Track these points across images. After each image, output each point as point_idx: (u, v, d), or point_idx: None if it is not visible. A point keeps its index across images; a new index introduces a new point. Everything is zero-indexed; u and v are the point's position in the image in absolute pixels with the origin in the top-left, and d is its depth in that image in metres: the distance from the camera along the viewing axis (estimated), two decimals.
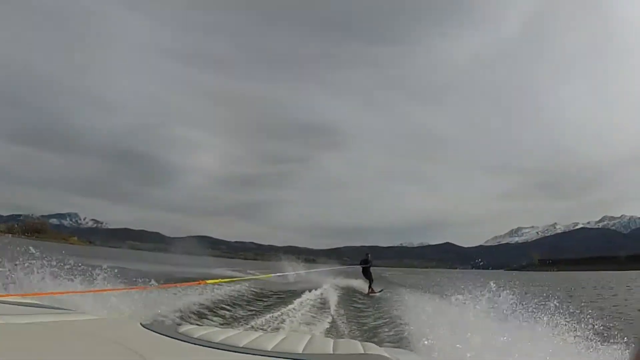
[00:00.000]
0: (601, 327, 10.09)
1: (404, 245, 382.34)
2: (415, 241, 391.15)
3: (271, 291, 21.81)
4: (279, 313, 15.07)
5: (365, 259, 29.65)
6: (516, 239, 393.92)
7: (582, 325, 9.44)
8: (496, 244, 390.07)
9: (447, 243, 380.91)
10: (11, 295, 5.40)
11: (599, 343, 8.72)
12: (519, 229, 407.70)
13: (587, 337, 8.92)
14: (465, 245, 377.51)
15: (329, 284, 28.26)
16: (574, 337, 8.95)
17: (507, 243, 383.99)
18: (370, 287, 27.64)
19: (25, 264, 11.15)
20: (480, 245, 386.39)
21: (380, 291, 27.16)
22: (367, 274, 28.69)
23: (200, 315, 13.49)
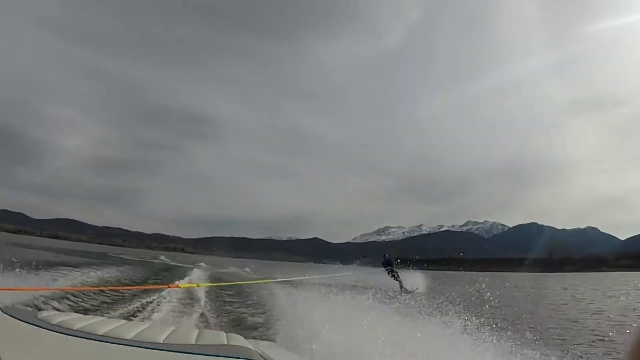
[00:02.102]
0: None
1: (272, 238, 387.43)
2: (285, 235, 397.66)
3: None
4: (147, 301, 14.93)
5: (387, 260, 28.79)
6: (383, 238, 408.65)
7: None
8: (364, 241, 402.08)
9: (316, 238, 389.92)
10: None
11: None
12: (386, 228, 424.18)
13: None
14: (334, 242, 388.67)
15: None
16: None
17: (374, 241, 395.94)
18: (401, 287, 26.75)
19: None
20: (349, 242, 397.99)
21: (415, 289, 26.30)
22: (393, 276, 27.99)
23: (71, 302, 13.04)
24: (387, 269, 28.53)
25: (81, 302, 13.35)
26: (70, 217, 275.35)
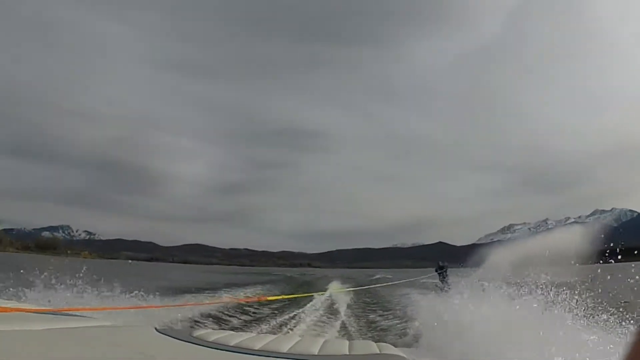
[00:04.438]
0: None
1: (397, 246, 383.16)
2: (409, 241, 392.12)
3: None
4: (291, 316, 15.40)
5: (441, 267, 30.36)
6: (509, 236, 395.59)
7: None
8: (489, 241, 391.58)
9: (440, 242, 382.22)
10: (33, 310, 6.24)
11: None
12: (511, 225, 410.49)
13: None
14: (458, 244, 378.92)
15: None
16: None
17: (500, 240, 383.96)
18: (445, 286, 29.15)
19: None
20: (473, 244, 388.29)
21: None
22: (442, 279, 29.32)
23: (216, 321, 13.53)
24: (439, 273, 29.87)
25: (231, 320, 13.86)
26: (197, 242, 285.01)
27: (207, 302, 12.29)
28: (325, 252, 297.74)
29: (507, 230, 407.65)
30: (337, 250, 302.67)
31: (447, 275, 30.00)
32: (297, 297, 18.24)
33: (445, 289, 27.99)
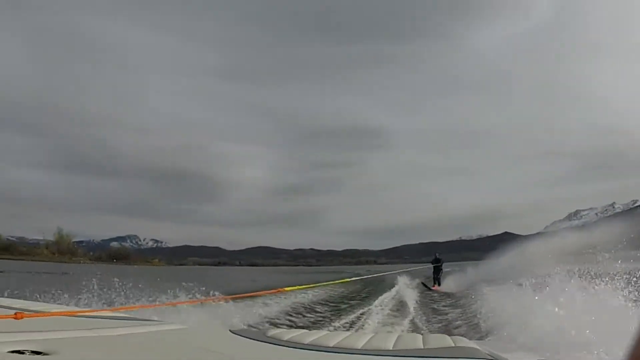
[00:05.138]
0: None
1: (462, 238, 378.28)
2: (474, 233, 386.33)
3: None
4: (360, 313, 15.59)
5: (436, 259, 31.83)
6: (576, 222, 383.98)
7: None
8: (556, 229, 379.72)
9: (506, 233, 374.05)
10: (105, 310, 6.15)
11: None
12: (577, 212, 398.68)
13: None
14: (525, 234, 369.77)
15: None
16: None
17: (567, 227, 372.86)
18: (435, 283, 29.54)
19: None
20: (540, 232, 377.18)
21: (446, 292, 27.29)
22: (436, 272, 30.61)
23: (286, 320, 13.78)
24: (434, 266, 31.40)
25: (299, 319, 14.11)
26: (262, 245, 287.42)
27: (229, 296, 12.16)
28: (391, 248, 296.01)
29: (574, 216, 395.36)
30: (403, 246, 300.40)
31: (441, 269, 31.60)
32: (320, 285, 18.61)
33: (436, 283, 29.20)
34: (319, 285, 18.79)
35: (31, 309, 4.09)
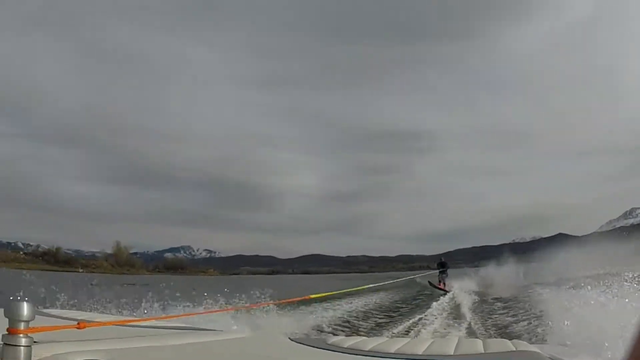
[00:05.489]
0: None
1: (516, 241, 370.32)
2: (527, 236, 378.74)
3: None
4: (416, 319, 15.55)
5: (442, 263, 33.80)
6: (631, 221, 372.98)
7: None
8: (611, 228, 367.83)
9: (560, 234, 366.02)
10: (162, 317, 6.22)
11: None
12: (632, 210, 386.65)
13: None
14: (579, 234, 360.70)
15: None
16: None
17: (622, 226, 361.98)
18: (441, 282, 31.39)
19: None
20: (594, 232, 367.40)
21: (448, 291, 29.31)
22: (442, 275, 32.31)
23: (345, 326, 13.86)
24: (439, 271, 32.75)
25: (358, 326, 14.21)
26: (314, 253, 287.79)
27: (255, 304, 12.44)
28: (444, 253, 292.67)
29: (630, 214, 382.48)
30: (456, 250, 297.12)
31: (446, 275, 32.60)
32: (345, 292, 18.92)
33: (442, 289, 29.44)
34: (339, 292, 18.49)
35: (90, 319, 4.09)
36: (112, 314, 9.16)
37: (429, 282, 31.83)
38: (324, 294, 12.23)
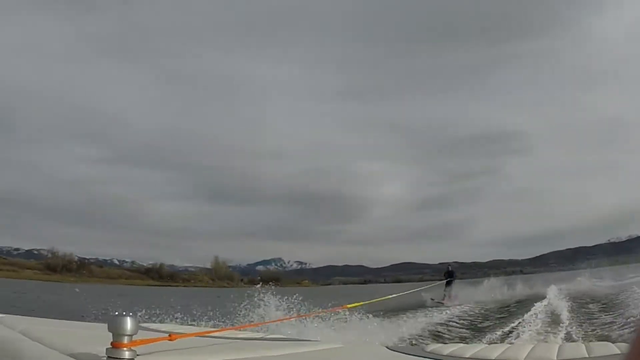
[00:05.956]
0: None
1: (611, 241, 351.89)
2: (623, 235, 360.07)
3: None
4: (515, 324, 15.37)
5: (449, 272, 30.60)
6: None
7: None
8: None
9: None
10: (250, 325, 6.55)
11: None
12: None
13: None
14: None
15: None
16: None
17: None
18: (445, 296, 27.75)
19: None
20: None
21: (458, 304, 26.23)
22: (448, 285, 29.25)
23: (437, 334, 13.99)
24: (447, 281, 29.57)
25: (455, 333, 14.33)
26: (405, 261, 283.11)
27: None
28: (537, 257, 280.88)
29: None
30: (549, 253, 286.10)
31: (452, 286, 29.41)
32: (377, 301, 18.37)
33: (447, 302, 26.48)
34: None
35: (176, 331, 4.07)
36: (194, 325, 9.70)
37: (431, 299, 26.80)
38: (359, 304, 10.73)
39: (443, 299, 27.11)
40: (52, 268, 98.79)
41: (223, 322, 12.35)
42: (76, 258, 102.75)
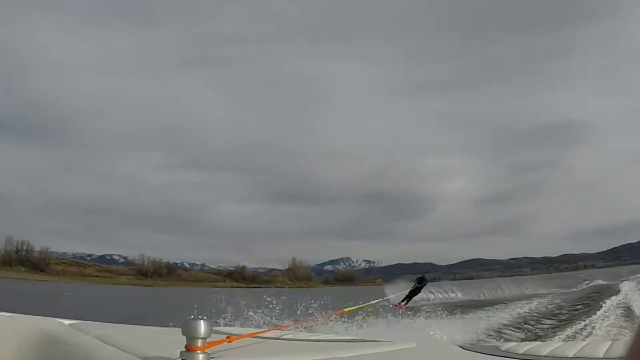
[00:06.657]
0: None
1: None
2: None
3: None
4: (587, 321, 15.41)
5: (420, 278, 28.87)
6: None
7: None
8: None
9: None
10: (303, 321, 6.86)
11: None
12: None
13: None
14: None
15: None
16: None
17: None
18: (403, 301, 26.52)
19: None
20: None
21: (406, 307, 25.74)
22: (414, 293, 27.80)
23: (506, 332, 14.10)
24: (417, 287, 27.87)
25: (530, 330, 14.59)
26: (474, 257, 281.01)
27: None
28: (610, 250, 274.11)
29: None
30: (622, 246, 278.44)
31: (418, 293, 28.27)
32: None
33: (403, 302, 25.93)
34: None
35: (234, 332, 3.74)
36: (244, 326, 9.74)
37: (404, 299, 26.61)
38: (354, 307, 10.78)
39: (398, 303, 26.18)
40: (144, 273, 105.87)
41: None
42: (164, 263, 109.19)
